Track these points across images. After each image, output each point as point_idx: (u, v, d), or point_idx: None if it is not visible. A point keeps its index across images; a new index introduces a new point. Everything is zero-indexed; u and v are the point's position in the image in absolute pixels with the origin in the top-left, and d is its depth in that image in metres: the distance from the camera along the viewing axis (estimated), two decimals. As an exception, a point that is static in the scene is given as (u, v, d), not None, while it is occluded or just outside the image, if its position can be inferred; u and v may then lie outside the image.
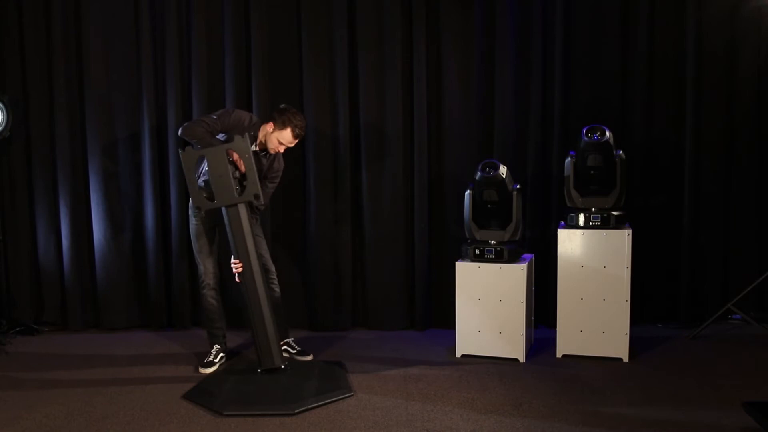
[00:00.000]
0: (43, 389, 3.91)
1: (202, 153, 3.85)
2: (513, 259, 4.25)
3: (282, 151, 4.13)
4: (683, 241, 4.79)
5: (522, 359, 4.22)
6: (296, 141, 4.09)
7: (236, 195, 3.82)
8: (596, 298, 4.19)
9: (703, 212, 4.82)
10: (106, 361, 4.40)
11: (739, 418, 3.26)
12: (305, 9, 4.83)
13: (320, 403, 3.58)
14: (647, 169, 4.82)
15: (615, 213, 4.21)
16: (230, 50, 4.87)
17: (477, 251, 4.26)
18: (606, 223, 4.19)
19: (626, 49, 4.77)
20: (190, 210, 4.21)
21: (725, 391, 3.67)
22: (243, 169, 3.84)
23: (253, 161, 3.83)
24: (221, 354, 4.29)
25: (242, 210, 3.86)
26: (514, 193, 4.26)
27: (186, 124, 4.02)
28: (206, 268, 4.22)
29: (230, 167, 3.80)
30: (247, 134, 3.87)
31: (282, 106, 4.11)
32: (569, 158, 4.29)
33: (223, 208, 3.86)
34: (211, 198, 3.86)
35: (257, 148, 4.10)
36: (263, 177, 4.12)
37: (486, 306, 4.25)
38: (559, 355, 4.29)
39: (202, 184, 3.95)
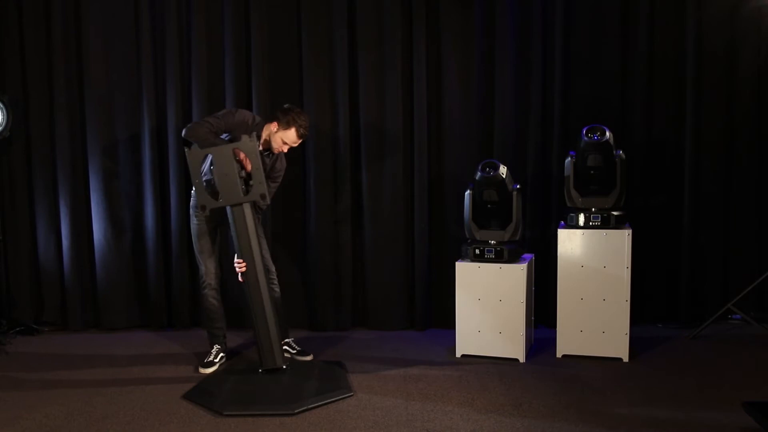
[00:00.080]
0: (43, 389, 3.91)
1: (209, 152, 3.85)
2: (513, 259, 4.25)
3: (286, 150, 4.13)
4: (683, 241, 4.79)
5: (522, 359, 4.22)
6: (300, 141, 4.10)
7: (242, 195, 3.83)
8: (596, 298, 4.19)
9: (703, 212, 4.82)
10: (106, 361, 4.40)
11: (739, 418, 3.26)
12: (305, 9, 4.83)
13: (320, 403, 3.58)
14: (647, 169, 4.82)
15: (615, 213, 4.21)
16: (230, 50, 4.87)
17: (477, 251, 4.26)
18: (606, 223, 4.19)
19: (626, 49, 4.77)
20: (191, 210, 4.21)
21: (725, 391, 3.67)
22: (249, 168, 3.85)
23: (260, 161, 3.83)
24: (221, 354, 4.29)
25: (247, 210, 3.86)
26: (514, 193, 4.26)
27: (189, 125, 4.03)
28: (208, 268, 4.22)
29: (236, 166, 3.81)
30: (254, 134, 3.87)
31: (286, 105, 4.12)
32: (569, 158, 4.29)
33: (228, 208, 3.86)
34: (212, 197, 3.86)
35: (261, 148, 4.10)
36: (266, 176, 4.11)
37: (486, 306, 4.25)
38: (559, 355, 4.29)
39: (204, 183, 3.95)
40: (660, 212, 4.84)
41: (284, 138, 4.04)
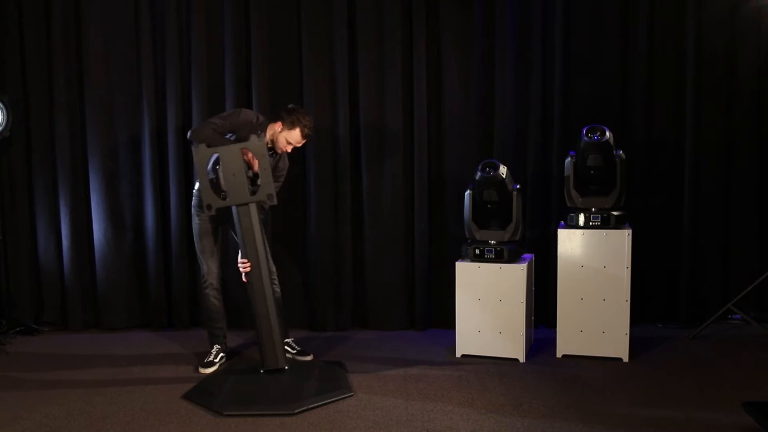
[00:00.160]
0: (43, 389, 3.91)
1: (217, 151, 3.85)
2: (513, 259, 4.25)
3: (289, 150, 4.14)
4: (683, 241, 4.79)
5: (522, 359, 4.22)
6: (304, 141, 4.11)
7: (249, 194, 3.83)
8: (596, 298, 4.19)
9: (703, 212, 4.82)
10: (106, 361, 4.40)
11: (739, 418, 3.26)
12: (305, 9, 4.83)
13: (320, 403, 3.58)
14: (647, 169, 4.82)
15: (615, 213, 4.21)
16: (230, 50, 4.87)
17: (477, 251, 4.26)
18: (606, 223, 4.19)
19: (626, 49, 4.77)
20: (193, 209, 4.21)
21: (725, 391, 3.67)
22: (256, 168, 3.85)
23: (268, 161, 3.83)
24: (221, 354, 4.29)
25: (253, 210, 3.86)
26: (514, 193, 4.26)
27: (194, 127, 4.05)
28: (209, 267, 4.22)
29: (244, 166, 3.81)
30: (263, 134, 3.87)
31: (290, 105, 4.13)
32: (569, 158, 4.29)
33: (234, 207, 3.86)
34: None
35: None
36: None
37: (486, 306, 4.25)
38: (559, 355, 4.29)
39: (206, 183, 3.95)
40: (660, 212, 4.84)
41: (288, 138, 4.05)
